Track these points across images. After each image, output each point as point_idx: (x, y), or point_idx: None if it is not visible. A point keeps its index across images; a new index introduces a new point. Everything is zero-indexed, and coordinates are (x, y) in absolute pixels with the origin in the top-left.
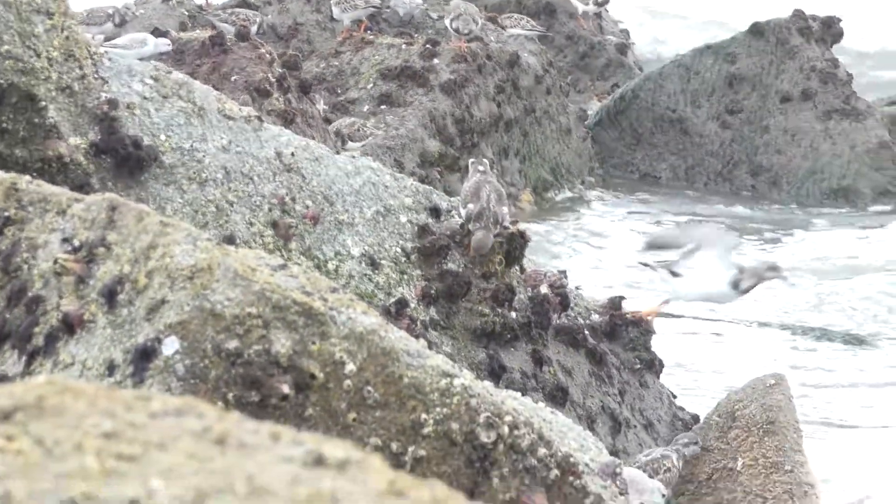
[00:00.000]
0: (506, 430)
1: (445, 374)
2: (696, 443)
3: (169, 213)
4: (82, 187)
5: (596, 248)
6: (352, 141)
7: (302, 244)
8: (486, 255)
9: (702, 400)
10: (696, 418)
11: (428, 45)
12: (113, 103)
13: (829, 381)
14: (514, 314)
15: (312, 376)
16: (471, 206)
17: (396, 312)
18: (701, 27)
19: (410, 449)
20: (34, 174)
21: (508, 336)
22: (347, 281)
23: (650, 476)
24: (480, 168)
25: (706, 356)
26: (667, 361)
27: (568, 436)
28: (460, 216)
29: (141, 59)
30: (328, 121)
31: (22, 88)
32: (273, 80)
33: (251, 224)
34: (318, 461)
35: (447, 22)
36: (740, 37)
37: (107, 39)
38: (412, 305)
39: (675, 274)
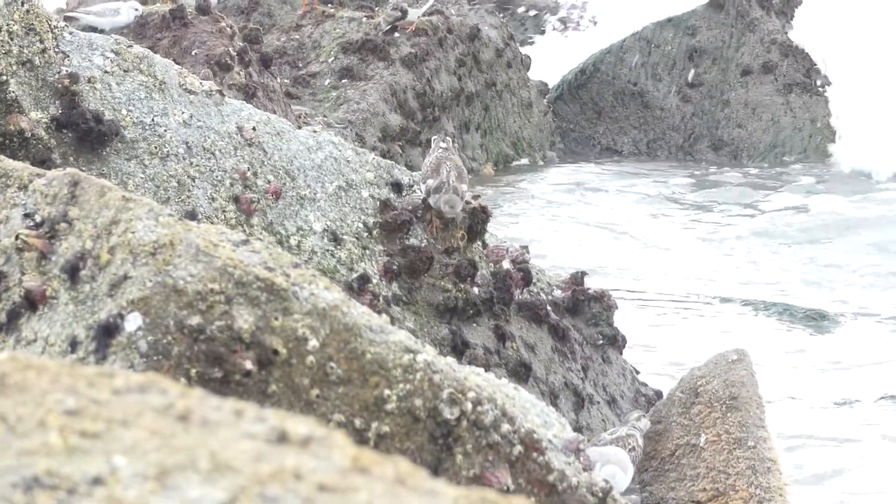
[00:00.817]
0: (469, 406)
1: (408, 349)
2: (644, 416)
3: (131, 188)
4: (44, 162)
5: (554, 216)
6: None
7: (264, 219)
8: (454, 219)
9: (665, 376)
10: (658, 394)
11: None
12: (74, 77)
13: (791, 356)
14: (476, 290)
15: (275, 352)
16: (430, 181)
17: (359, 288)
18: None
19: (374, 425)
20: None
21: (471, 312)
22: (310, 256)
23: None
24: (443, 144)
25: (669, 332)
26: (630, 337)
27: (531, 412)
28: (422, 191)
29: (114, 28)
30: (289, 95)
31: None
32: (234, 53)
33: (213, 199)
34: (282, 438)
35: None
36: (700, 9)
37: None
38: (374, 281)
39: None
